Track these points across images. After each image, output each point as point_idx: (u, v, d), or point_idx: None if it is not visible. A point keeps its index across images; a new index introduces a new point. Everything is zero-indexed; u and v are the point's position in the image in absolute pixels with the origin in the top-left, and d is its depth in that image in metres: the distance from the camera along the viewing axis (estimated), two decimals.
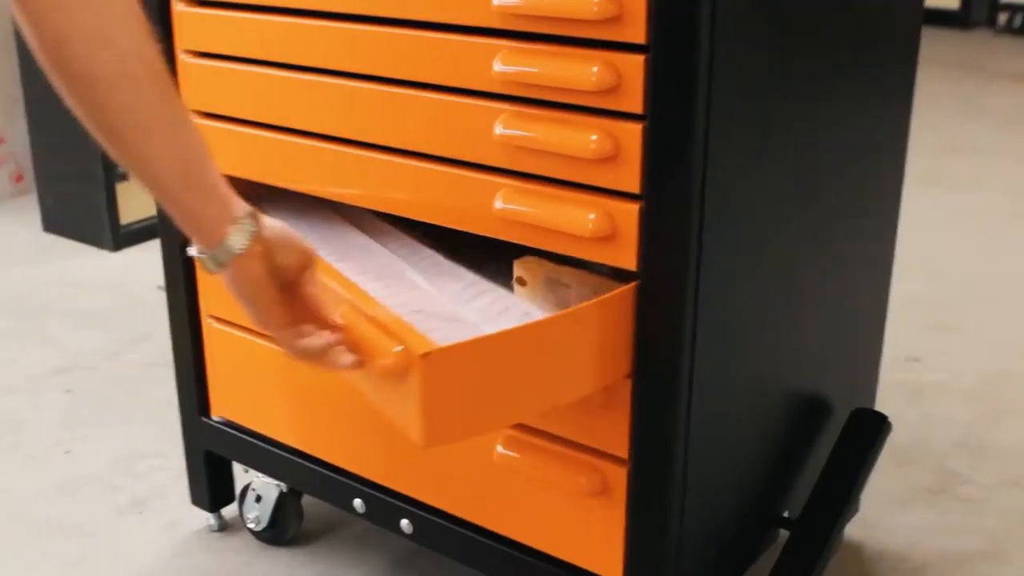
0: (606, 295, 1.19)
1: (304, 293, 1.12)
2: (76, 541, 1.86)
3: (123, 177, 3.08)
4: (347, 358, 1.12)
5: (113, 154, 1.01)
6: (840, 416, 1.60)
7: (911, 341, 2.48)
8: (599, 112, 1.17)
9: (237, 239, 1.04)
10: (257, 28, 1.43)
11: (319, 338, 1.10)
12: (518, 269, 1.34)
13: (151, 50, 0.99)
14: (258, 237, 1.06)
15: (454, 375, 1.10)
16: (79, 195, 3.15)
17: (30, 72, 3.15)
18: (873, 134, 1.56)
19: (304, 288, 1.12)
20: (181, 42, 1.53)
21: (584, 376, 1.20)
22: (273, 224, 1.09)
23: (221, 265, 1.05)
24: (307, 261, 1.12)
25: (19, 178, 3.65)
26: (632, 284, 1.19)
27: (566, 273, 1.30)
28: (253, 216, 1.06)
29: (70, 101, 0.98)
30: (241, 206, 1.06)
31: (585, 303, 1.18)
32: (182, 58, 1.53)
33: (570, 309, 1.18)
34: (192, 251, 1.07)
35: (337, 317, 1.15)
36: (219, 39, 1.48)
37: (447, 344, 1.09)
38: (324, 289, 1.15)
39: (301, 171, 1.45)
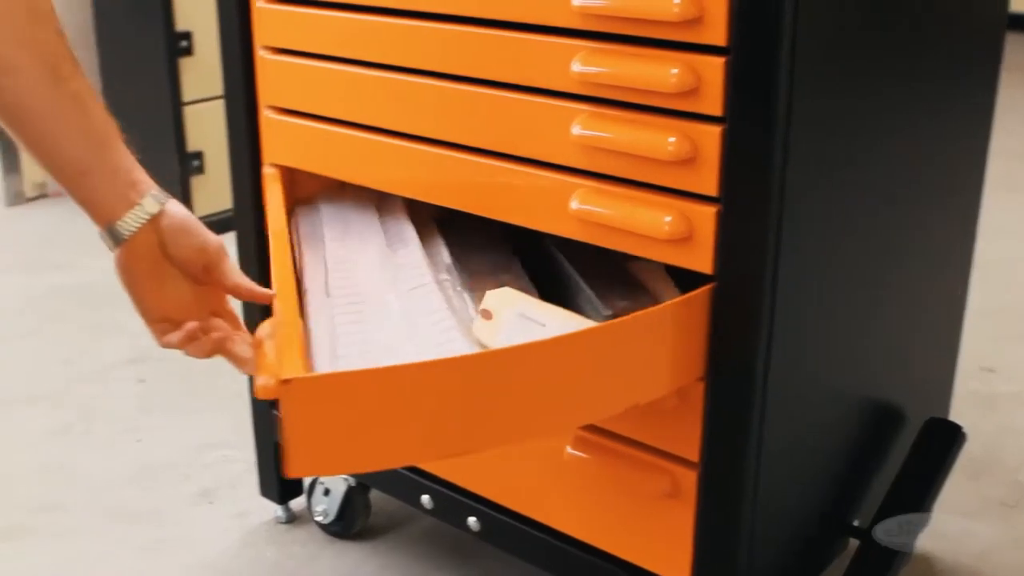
0: (683, 296, 1.18)
1: (222, 286, 1.11)
2: (147, 528, 1.89)
3: (198, 171, 3.12)
4: (198, 350, 1.10)
5: (10, 134, 1.02)
6: (913, 425, 1.59)
7: (986, 351, 2.44)
8: (678, 114, 1.16)
9: (126, 225, 1.04)
10: (336, 25, 1.44)
11: (179, 331, 1.08)
12: (488, 301, 1.25)
13: (43, 35, 1.00)
14: (152, 226, 1.05)
15: (320, 404, 0.99)
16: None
17: (108, 66, 3.21)
18: (953, 139, 1.54)
19: (221, 282, 1.11)
20: (260, 38, 1.55)
21: (657, 378, 1.20)
22: (176, 215, 1.07)
23: (111, 247, 1.05)
24: (209, 257, 1.09)
25: None
26: (708, 287, 1.18)
27: (545, 311, 1.23)
28: (155, 204, 1.06)
29: None
30: (145, 192, 1.06)
31: (661, 305, 1.17)
32: (261, 54, 1.55)
33: (647, 310, 1.17)
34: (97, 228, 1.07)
35: (260, 329, 1.14)
36: (298, 36, 1.50)
37: (317, 373, 1.05)
38: (239, 286, 1.13)
39: (375, 168, 1.46)
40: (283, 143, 1.57)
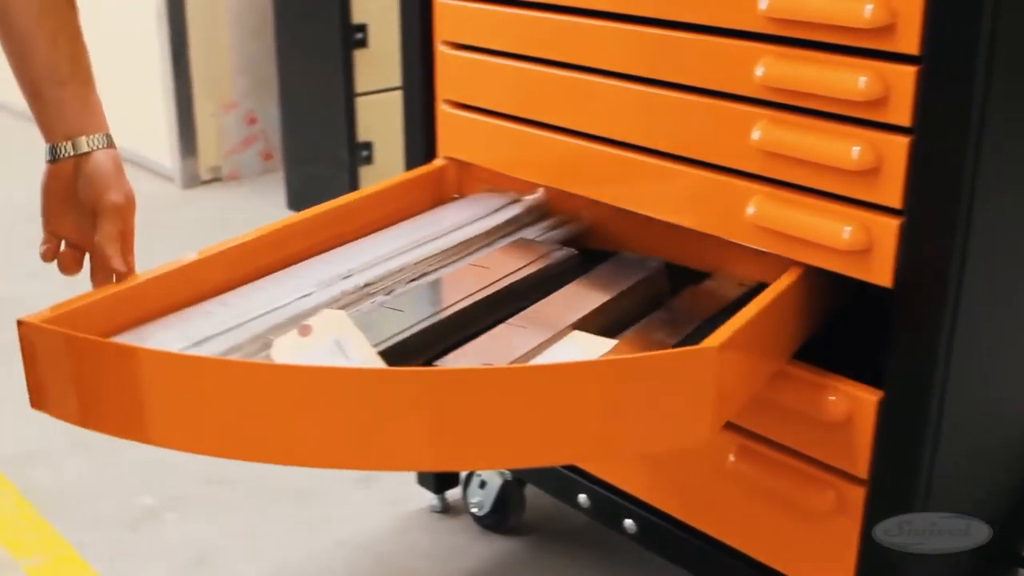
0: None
1: (96, 241, 1.19)
2: (306, 507, 1.94)
3: (367, 160, 3.18)
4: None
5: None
6: None
7: None
8: (863, 123, 1.14)
9: (56, 151, 1.18)
10: (517, 22, 1.45)
11: (47, 251, 1.22)
12: (315, 318, 1.20)
13: None
14: (74, 161, 1.18)
15: (46, 352, 1.10)
16: (324, 176, 3.26)
17: (285, 56, 3.29)
18: None
19: (96, 237, 1.19)
20: (440, 33, 1.57)
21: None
22: (98, 164, 1.18)
23: (45, 161, 1.19)
24: (101, 208, 1.18)
25: (268, 156, 3.82)
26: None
27: (358, 346, 1.17)
28: (86, 146, 1.18)
29: None
30: (82, 133, 1.18)
31: (708, 346, 1.07)
32: (440, 48, 1.57)
33: (684, 350, 1.08)
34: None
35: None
36: (478, 32, 1.51)
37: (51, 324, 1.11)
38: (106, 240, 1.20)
39: (547, 165, 1.47)
40: (457, 136, 1.59)
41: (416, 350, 1.21)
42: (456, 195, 1.62)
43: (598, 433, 1.06)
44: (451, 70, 1.57)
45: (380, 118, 3.13)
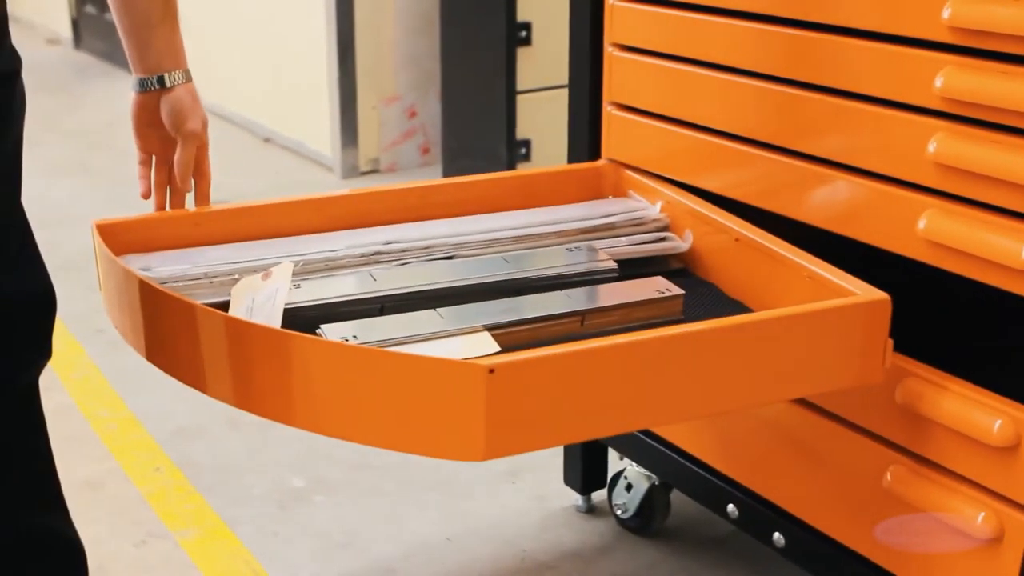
0: None
1: (177, 160, 1.35)
2: (451, 498, 1.96)
3: (524, 158, 3.20)
4: (157, 203, 1.40)
5: None
6: None
7: None
8: None
9: (140, 83, 1.32)
10: (688, 26, 1.44)
11: (143, 171, 1.39)
12: (277, 267, 1.26)
13: None
14: (157, 92, 1.32)
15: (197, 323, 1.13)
16: (480, 171, 3.28)
17: (449, 51, 3.33)
18: None
19: (176, 157, 1.35)
20: (610, 35, 1.57)
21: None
22: (179, 96, 1.32)
23: (132, 90, 1.34)
24: (179, 129, 1.33)
25: (426, 150, 3.87)
26: None
27: (278, 297, 1.21)
28: (170, 81, 1.31)
29: None
30: (169, 68, 1.31)
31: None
32: (609, 50, 1.57)
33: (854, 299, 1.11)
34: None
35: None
36: (649, 35, 1.51)
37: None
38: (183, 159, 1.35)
39: (714, 170, 1.46)
40: (622, 139, 1.59)
41: (321, 319, 1.23)
42: (611, 196, 1.62)
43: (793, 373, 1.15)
44: (619, 72, 1.57)
45: (540, 116, 3.14)
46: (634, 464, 1.79)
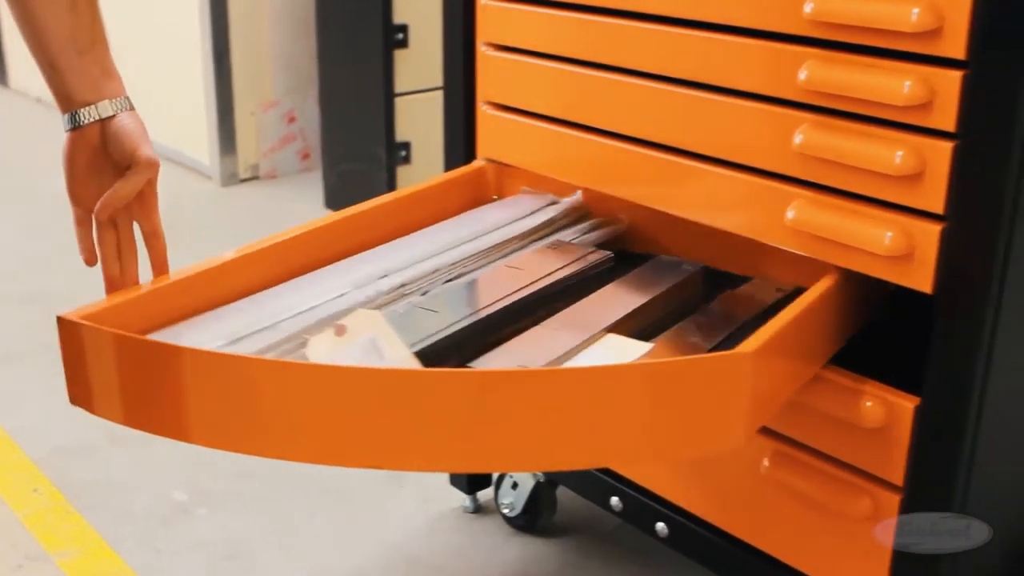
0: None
1: (108, 192, 1.19)
2: (338, 504, 1.95)
3: (404, 160, 3.19)
4: (108, 272, 1.22)
5: (12, 15, 1.15)
6: None
7: None
8: (907, 128, 1.13)
9: (80, 117, 1.17)
10: (559, 24, 1.45)
11: (81, 247, 1.21)
12: (349, 318, 1.23)
13: None
14: (97, 126, 1.17)
15: (83, 348, 1.10)
16: (361, 175, 3.28)
17: (326, 55, 3.30)
18: None
19: (117, 182, 1.19)
20: (483, 34, 1.57)
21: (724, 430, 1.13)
22: (125, 122, 1.18)
23: (65, 130, 1.19)
24: (135, 163, 1.18)
25: (306, 155, 3.84)
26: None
27: (392, 346, 1.18)
28: (106, 109, 1.17)
29: None
30: (107, 96, 1.18)
31: (742, 351, 1.06)
32: (482, 49, 1.57)
33: (717, 355, 1.09)
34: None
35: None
36: (520, 33, 1.51)
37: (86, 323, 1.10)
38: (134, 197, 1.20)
39: (589, 167, 1.47)
40: (496, 138, 1.59)
41: (450, 351, 1.21)
42: (496, 196, 1.62)
43: (632, 437, 1.05)
44: (492, 71, 1.57)
45: (419, 118, 3.14)
46: None
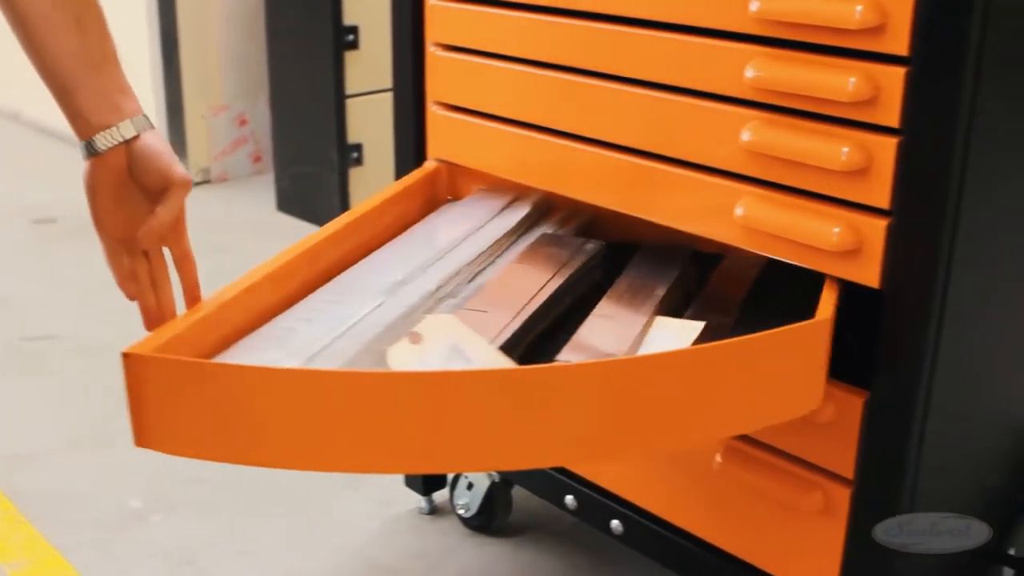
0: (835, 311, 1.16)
1: (166, 216, 1.12)
2: (292, 509, 1.94)
3: (356, 162, 3.18)
4: (145, 308, 1.16)
5: (16, 38, 1.07)
6: None
7: None
8: (852, 124, 1.14)
9: (100, 142, 1.08)
10: (507, 24, 1.45)
11: (120, 281, 1.15)
12: (422, 325, 1.20)
13: None
14: (124, 147, 1.09)
15: (160, 384, 1.04)
16: (313, 177, 3.27)
17: (276, 58, 3.29)
18: None
19: (167, 212, 1.12)
20: (431, 34, 1.57)
21: (812, 391, 1.17)
22: (150, 142, 1.11)
23: (84, 158, 1.10)
24: (170, 182, 1.11)
25: (258, 159, 3.82)
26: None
27: (475, 347, 1.18)
28: (132, 129, 1.10)
29: None
30: (126, 116, 1.10)
31: (820, 318, 1.15)
32: (431, 50, 1.57)
33: (802, 323, 1.15)
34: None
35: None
36: (469, 33, 1.51)
37: (161, 356, 1.06)
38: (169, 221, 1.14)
39: (538, 166, 1.47)
40: (447, 138, 1.59)
41: (522, 348, 1.23)
42: (450, 197, 1.62)
43: (734, 409, 1.13)
44: (441, 72, 1.57)
45: (370, 120, 3.13)
46: None
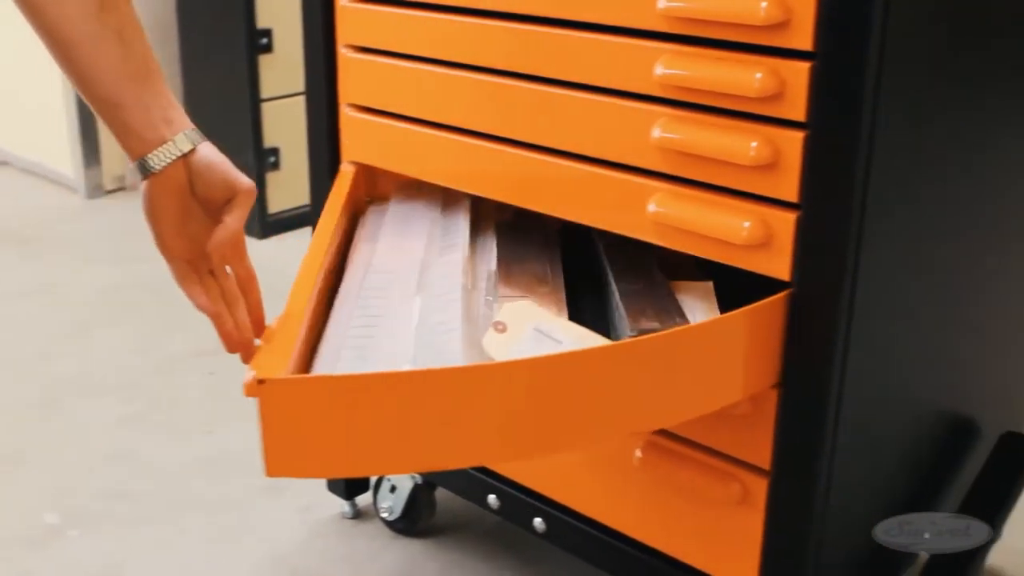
0: (756, 304, 1.17)
1: (234, 229, 1.09)
2: (216, 518, 1.91)
3: (273, 167, 3.15)
4: (227, 329, 1.11)
5: (55, 60, 1.05)
6: (989, 438, 1.56)
7: None
8: (760, 119, 1.15)
9: (153, 160, 1.05)
10: (418, 24, 1.45)
11: (197, 300, 1.10)
12: (503, 314, 1.25)
13: None
14: (182, 162, 1.06)
15: (298, 407, 1.00)
16: None
17: (189, 62, 3.25)
18: None
19: (235, 224, 1.09)
20: (343, 36, 1.56)
21: (731, 384, 1.19)
22: (208, 154, 1.08)
23: (141, 179, 1.07)
24: (236, 192, 1.09)
25: None
26: (783, 293, 1.18)
27: (562, 328, 1.22)
28: (184, 142, 1.06)
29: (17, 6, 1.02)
30: (179, 130, 1.06)
31: (736, 311, 1.17)
32: (343, 52, 1.56)
33: (719, 317, 1.17)
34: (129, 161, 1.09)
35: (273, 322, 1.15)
36: (380, 35, 1.51)
37: (295, 375, 1.04)
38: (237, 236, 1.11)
39: (452, 167, 1.47)
40: (361, 141, 1.58)
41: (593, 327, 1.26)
42: (368, 199, 1.62)
43: (659, 403, 1.15)
44: (353, 74, 1.56)
45: (286, 123, 3.11)
46: None
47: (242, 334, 1.12)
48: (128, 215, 3.46)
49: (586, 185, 1.32)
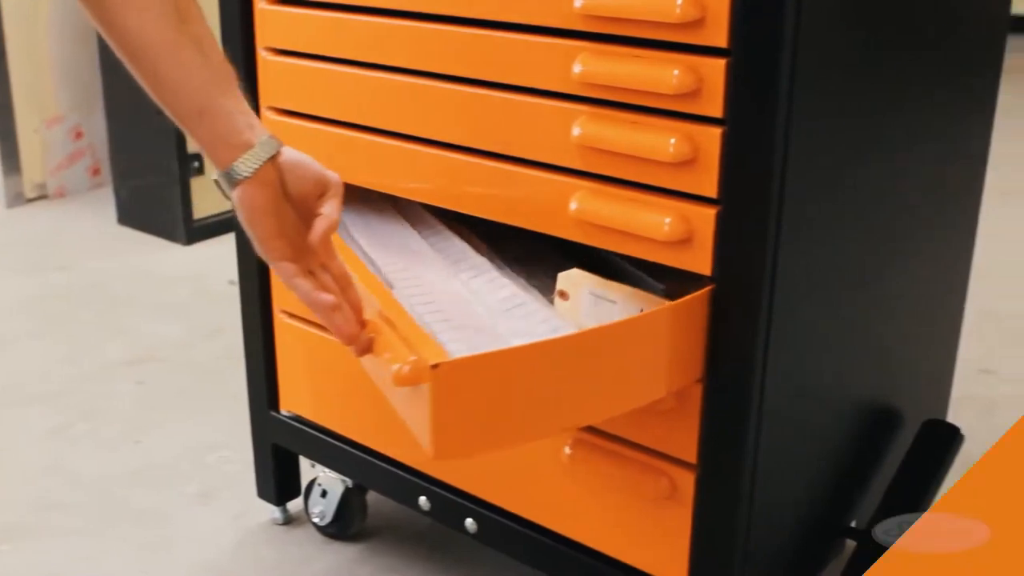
0: (679, 300, 1.18)
1: (321, 218, 1.11)
2: (146, 528, 1.89)
3: (198, 172, 3.12)
4: (343, 322, 1.13)
5: (132, 72, 1.06)
6: (912, 427, 1.59)
7: (985, 353, 2.45)
8: (678, 116, 1.16)
9: (245, 165, 1.06)
10: (337, 27, 1.44)
11: (315, 294, 1.11)
12: (561, 282, 1.30)
13: None
14: (271, 165, 1.08)
15: (467, 387, 1.06)
16: (154, 189, 3.19)
17: (109, 66, 3.20)
18: (954, 143, 1.54)
19: (321, 210, 1.11)
20: (262, 39, 1.55)
21: (654, 380, 1.20)
22: (293, 153, 1.10)
23: (231, 188, 1.08)
24: (327, 188, 1.12)
25: (96, 171, 3.71)
26: (706, 289, 1.19)
27: (612, 288, 1.27)
28: (271, 144, 1.08)
29: (88, 17, 1.04)
30: (259, 133, 1.08)
31: (658, 308, 1.18)
32: (262, 55, 1.55)
33: (642, 313, 1.18)
34: (214, 174, 1.10)
35: (366, 312, 1.16)
36: (299, 37, 1.50)
37: (461, 356, 1.07)
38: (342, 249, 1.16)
39: (375, 168, 1.46)
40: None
41: None
42: None
43: (587, 399, 1.17)
44: (272, 76, 1.55)
45: None
46: (326, 470, 1.78)
47: (352, 327, 1.13)
48: (50, 224, 3.40)
49: (508, 185, 1.32)
